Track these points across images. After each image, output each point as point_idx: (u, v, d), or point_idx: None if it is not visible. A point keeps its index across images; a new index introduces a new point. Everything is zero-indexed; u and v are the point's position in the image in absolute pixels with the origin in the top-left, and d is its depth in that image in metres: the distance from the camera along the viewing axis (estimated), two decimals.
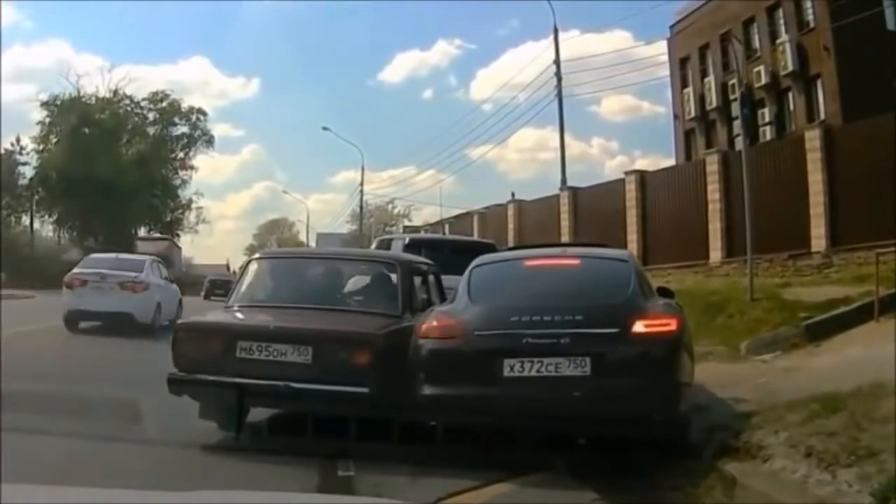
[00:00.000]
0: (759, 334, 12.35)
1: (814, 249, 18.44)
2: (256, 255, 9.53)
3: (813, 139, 18.97)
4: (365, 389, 6.60)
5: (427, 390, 6.49)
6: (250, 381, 6.82)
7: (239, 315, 7.86)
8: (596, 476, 5.96)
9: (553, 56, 32.49)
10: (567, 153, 31.45)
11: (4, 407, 6.67)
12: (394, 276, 8.05)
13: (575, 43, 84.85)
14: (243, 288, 8.19)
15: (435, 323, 6.80)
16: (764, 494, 5.06)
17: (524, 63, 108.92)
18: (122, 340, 15.64)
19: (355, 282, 8.33)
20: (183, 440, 6.81)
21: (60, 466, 5.65)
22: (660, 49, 36.80)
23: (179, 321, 7.79)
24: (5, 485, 2.40)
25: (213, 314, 8.60)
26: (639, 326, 6.36)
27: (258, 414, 7.47)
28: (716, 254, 21.31)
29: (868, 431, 5.33)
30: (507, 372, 6.27)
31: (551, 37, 32.88)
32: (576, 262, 7.86)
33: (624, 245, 21.99)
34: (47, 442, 6.24)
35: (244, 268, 8.82)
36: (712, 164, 21.81)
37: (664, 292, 7.71)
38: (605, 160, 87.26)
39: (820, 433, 5.56)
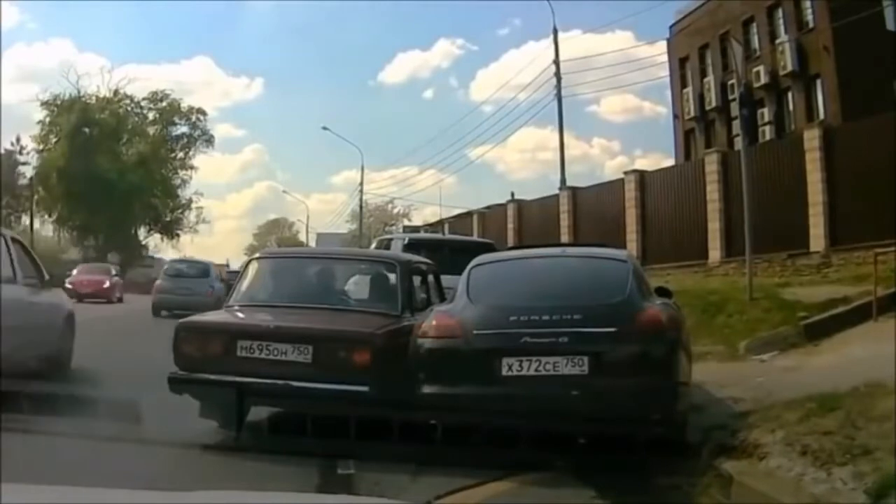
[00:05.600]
0: (758, 334, 12.41)
1: (813, 249, 18.45)
2: (256, 255, 9.54)
3: (812, 139, 18.98)
4: (365, 388, 6.64)
5: (427, 389, 6.53)
6: (251, 380, 6.86)
7: (239, 314, 7.89)
8: (594, 475, 5.99)
9: (553, 56, 32.61)
10: (568, 153, 31.61)
11: (4, 407, 6.58)
12: (393, 276, 8.09)
13: (576, 43, 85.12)
14: (244, 287, 8.22)
15: (434, 322, 6.85)
16: (760, 493, 5.09)
17: (525, 63, 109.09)
18: None
19: (355, 281, 8.40)
20: (183, 440, 6.81)
21: (60, 466, 5.64)
22: (661, 49, 36.78)
23: (180, 321, 7.74)
24: (5, 485, 2.38)
25: (214, 314, 8.64)
26: (636, 326, 6.42)
27: (258, 413, 7.53)
28: (715, 253, 21.34)
29: (864, 430, 5.37)
30: (505, 371, 6.31)
31: (552, 37, 32.98)
32: (574, 261, 7.93)
33: (623, 245, 22.01)
34: (47, 442, 6.23)
35: (244, 267, 8.86)
36: (711, 164, 21.83)
37: (662, 292, 7.75)
38: (605, 160, 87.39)
39: (816, 432, 5.60)
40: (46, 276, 10.66)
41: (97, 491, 2.74)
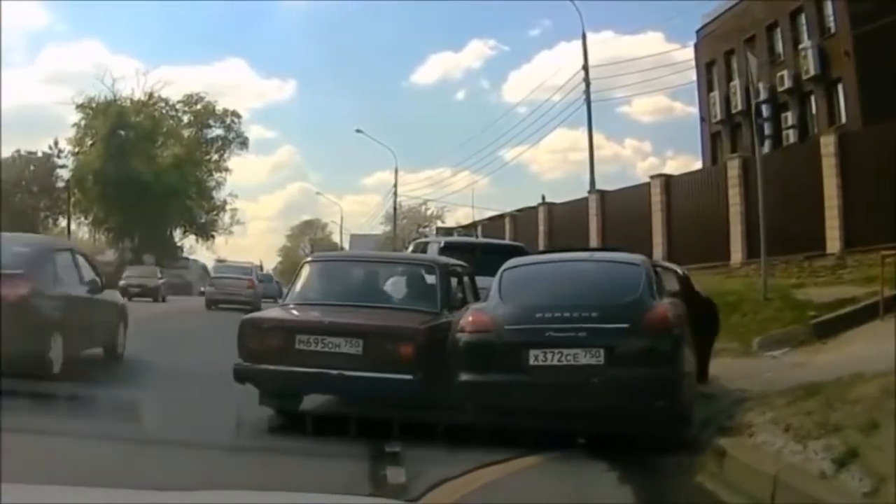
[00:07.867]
0: (770, 332, 13.09)
1: (829, 251, 18.97)
2: (309, 259, 10.32)
3: (828, 145, 19.50)
4: (409, 377, 7.52)
5: (464, 377, 7.42)
6: (308, 369, 7.74)
7: (296, 312, 8.77)
8: (604, 452, 6.76)
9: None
10: (599, 154, 32.45)
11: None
12: (433, 278, 8.95)
13: (608, 44, 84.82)
14: (298, 288, 9.10)
15: (471, 318, 7.73)
16: (745, 463, 5.95)
17: (557, 65, 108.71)
18: None
19: (399, 282, 9.23)
20: (216, 438, 7.29)
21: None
22: (691, 53, 37.13)
23: (244, 317, 8.70)
24: (5, 485, 2.38)
25: (274, 311, 9.55)
26: (646, 322, 7.27)
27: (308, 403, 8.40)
28: (736, 255, 21.92)
29: (839, 411, 6.17)
30: (532, 361, 7.18)
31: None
32: (594, 265, 8.86)
33: (650, 246, 22.72)
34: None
35: (298, 269, 9.74)
36: (733, 169, 22.40)
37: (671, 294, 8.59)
38: (637, 161, 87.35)
39: (799, 413, 6.41)
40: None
41: (97, 491, 2.82)
